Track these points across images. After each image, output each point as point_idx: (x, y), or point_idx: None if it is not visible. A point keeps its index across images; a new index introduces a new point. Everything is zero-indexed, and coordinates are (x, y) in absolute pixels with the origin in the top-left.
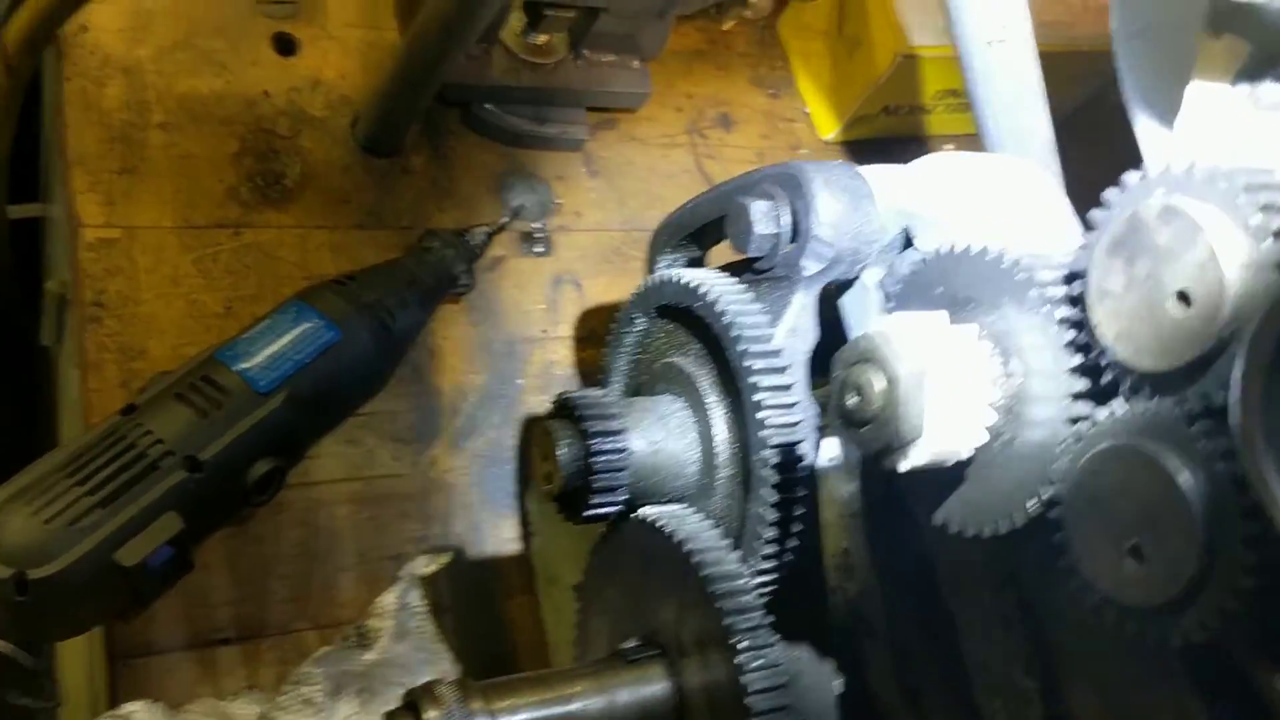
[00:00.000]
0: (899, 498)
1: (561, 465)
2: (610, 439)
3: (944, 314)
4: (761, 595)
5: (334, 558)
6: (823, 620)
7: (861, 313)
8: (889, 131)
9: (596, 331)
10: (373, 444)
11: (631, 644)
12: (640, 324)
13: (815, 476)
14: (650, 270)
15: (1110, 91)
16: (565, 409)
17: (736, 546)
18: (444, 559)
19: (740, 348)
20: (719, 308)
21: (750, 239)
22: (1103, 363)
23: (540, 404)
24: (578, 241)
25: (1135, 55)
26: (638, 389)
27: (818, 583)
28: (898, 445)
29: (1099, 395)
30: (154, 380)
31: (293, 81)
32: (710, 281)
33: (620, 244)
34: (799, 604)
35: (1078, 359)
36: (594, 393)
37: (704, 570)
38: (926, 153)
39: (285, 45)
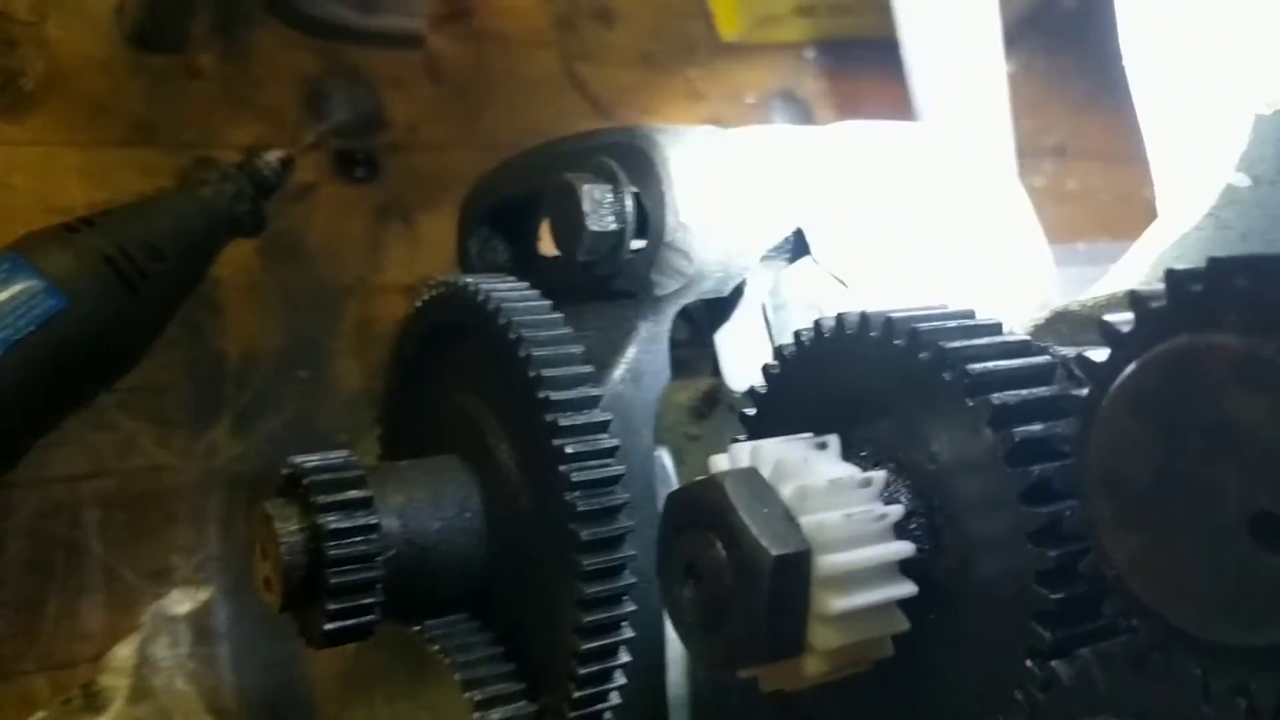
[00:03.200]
0: None
1: (284, 565)
2: (354, 530)
3: (834, 443)
4: None
5: (75, 578)
6: None
7: (740, 350)
8: (806, 36)
9: (432, 278)
10: (131, 428)
11: None
12: (419, 348)
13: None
14: (462, 253)
15: None
16: (291, 483)
17: (540, 683)
18: (204, 594)
19: (549, 416)
20: (523, 349)
21: (579, 240)
22: (1102, 576)
23: (356, 371)
24: (412, 165)
25: None
26: (413, 442)
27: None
28: (765, 658)
29: (1087, 627)
30: None
31: None
32: (510, 299)
33: (468, 169)
34: None
35: (1052, 557)
36: (334, 456)
37: None
38: (850, 62)
39: None
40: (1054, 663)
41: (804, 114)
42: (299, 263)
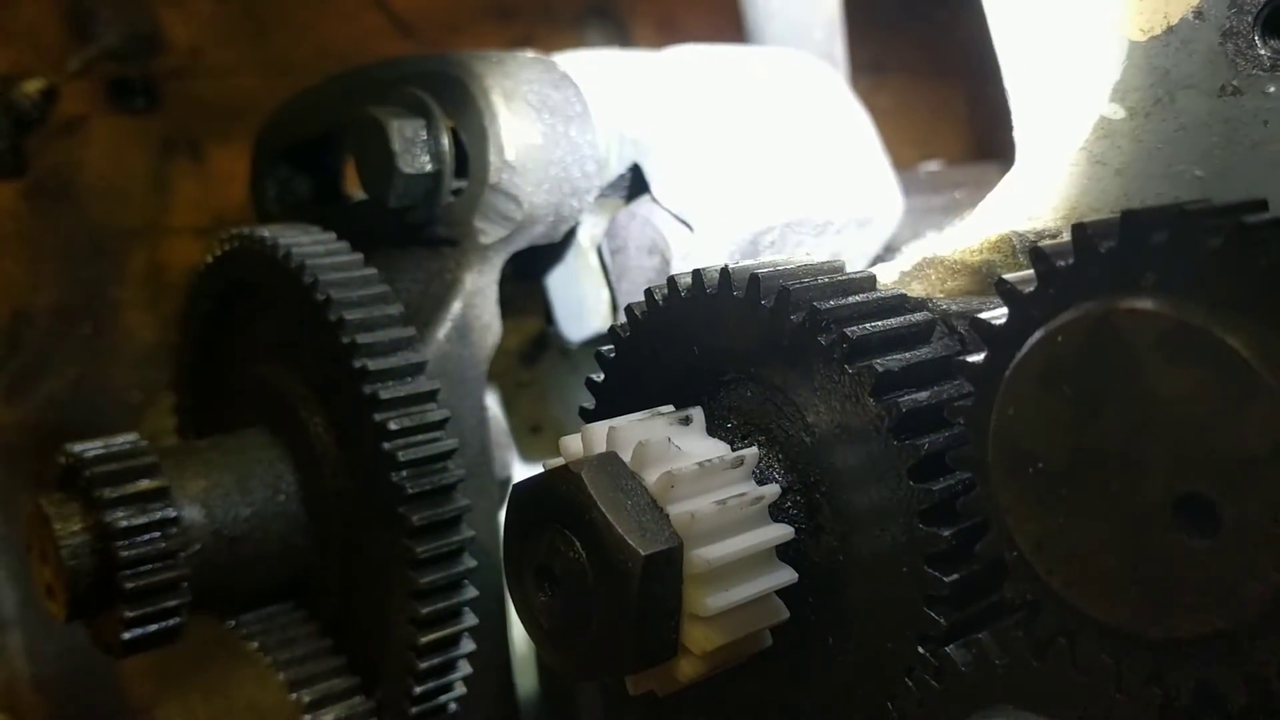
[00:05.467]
0: None
1: (67, 571)
2: (149, 526)
3: (698, 417)
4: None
5: None
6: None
7: (576, 298)
8: None
9: (227, 219)
10: None
11: None
12: (214, 311)
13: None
14: (257, 194)
15: None
16: (70, 475)
17: (377, 677)
18: None
19: (367, 387)
20: (333, 312)
21: (390, 183)
22: (1001, 559)
23: (148, 323)
24: (197, 92)
25: None
26: (215, 414)
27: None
28: (634, 666)
29: (982, 606)
30: None
31: None
32: (316, 255)
33: (259, 95)
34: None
35: (945, 537)
36: (120, 441)
37: None
38: None
39: None
40: (949, 648)
41: (620, 31)
42: (73, 206)
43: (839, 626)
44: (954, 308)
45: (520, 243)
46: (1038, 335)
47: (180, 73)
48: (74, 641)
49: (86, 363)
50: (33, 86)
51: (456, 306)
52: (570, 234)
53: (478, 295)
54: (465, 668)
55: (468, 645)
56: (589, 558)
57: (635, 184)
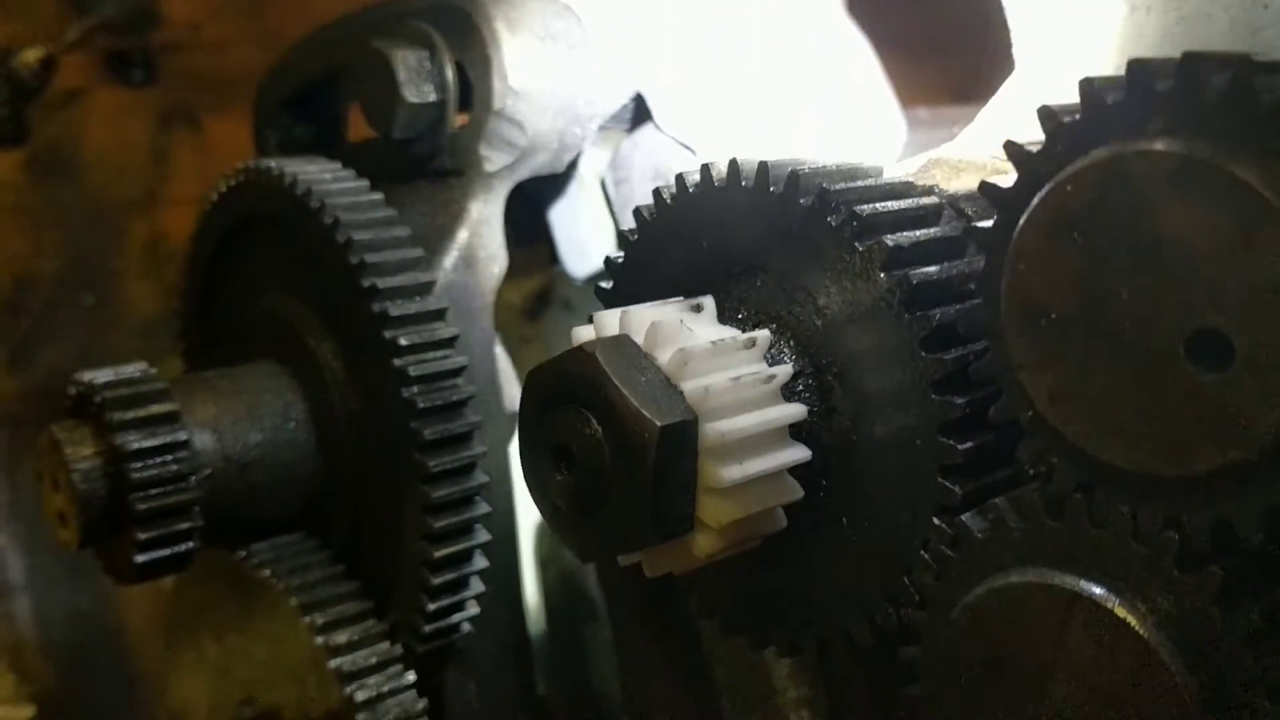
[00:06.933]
0: None
1: (81, 495)
2: (161, 449)
3: (709, 304)
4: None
5: None
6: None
7: (580, 233)
8: None
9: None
10: None
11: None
12: (220, 247)
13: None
14: (260, 144)
15: None
16: (81, 403)
17: (389, 599)
18: None
19: (377, 305)
20: (341, 233)
21: (395, 114)
22: (1016, 421)
23: (149, 293)
24: (194, 65)
25: None
26: (222, 354)
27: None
28: (652, 539)
29: (996, 477)
30: None
31: None
32: (322, 181)
33: (256, 68)
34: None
35: (959, 405)
36: (130, 369)
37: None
38: None
39: None
40: (964, 517)
41: None
42: (73, 177)
43: (854, 506)
44: (961, 193)
45: (524, 172)
46: (1047, 187)
47: (178, 46)
48: (81, 607)
49: (89, 333)
50: (32, 56)
51: (463, 236)
52: (572, 167)
53: (484, 225)
54: (478, 585)
55: (480, 562)
56: (605, 433)
57: (638, 116)
